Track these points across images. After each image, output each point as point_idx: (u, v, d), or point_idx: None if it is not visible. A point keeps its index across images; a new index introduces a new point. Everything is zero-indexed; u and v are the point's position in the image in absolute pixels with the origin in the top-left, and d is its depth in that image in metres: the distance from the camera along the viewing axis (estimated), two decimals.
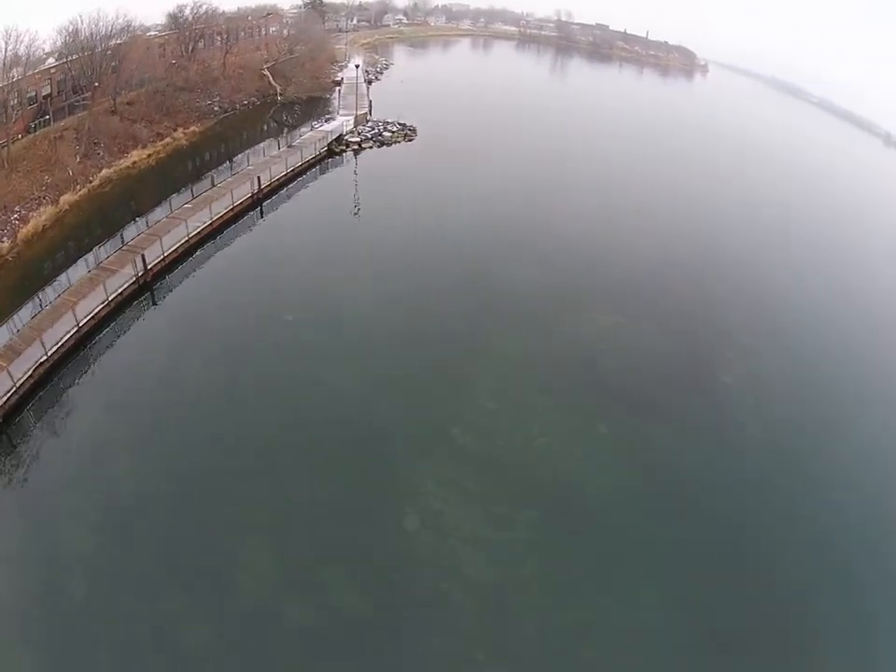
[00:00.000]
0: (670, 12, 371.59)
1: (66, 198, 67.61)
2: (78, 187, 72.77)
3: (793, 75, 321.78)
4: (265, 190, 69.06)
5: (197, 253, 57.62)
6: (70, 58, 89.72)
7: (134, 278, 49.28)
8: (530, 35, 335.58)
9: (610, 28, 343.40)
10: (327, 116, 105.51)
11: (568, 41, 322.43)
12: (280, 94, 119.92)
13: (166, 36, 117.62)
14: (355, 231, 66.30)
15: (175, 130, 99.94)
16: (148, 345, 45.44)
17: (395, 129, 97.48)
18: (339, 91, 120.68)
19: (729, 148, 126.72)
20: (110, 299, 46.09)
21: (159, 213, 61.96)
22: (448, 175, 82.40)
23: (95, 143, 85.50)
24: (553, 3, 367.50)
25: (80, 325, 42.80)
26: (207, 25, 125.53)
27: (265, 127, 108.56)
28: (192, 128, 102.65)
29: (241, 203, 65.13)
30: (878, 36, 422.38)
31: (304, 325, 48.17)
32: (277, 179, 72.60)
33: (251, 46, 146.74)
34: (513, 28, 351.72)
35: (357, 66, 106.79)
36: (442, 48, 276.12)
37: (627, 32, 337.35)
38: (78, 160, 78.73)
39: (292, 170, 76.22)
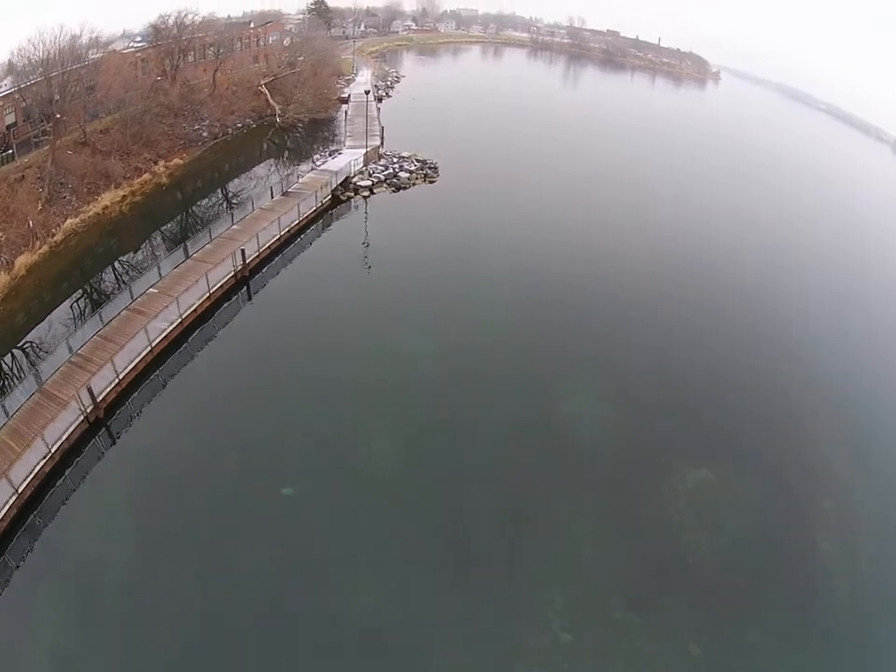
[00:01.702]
0: (681, 18, 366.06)
1: (23, 260, 55.14)
2: (38, 243, 60.36)
3: (802, 81, 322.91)
4: (252, 264, 53.89)
5: (161, 369, 41.88)
6: (28, 81, 75.37)
7: (83, 417, 34.96)
8: (542, 43, 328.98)
9: (621, 35, 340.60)
10: (331, 148, 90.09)
11: (581, 49, 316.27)
12: (279, 115, 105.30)
13: (148, 52, 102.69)
14: (367, 318, 48.82)
15: (155, 163, 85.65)
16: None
17: (412, 168, 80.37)
18: (346, 112, 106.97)
19: (757, 162, 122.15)
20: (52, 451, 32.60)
21: (117, 305, 45.96)
22: (480, 229, 67.02)
23: (61, 183, 72.10)
24: (563, 8, 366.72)
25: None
26: (195, 37, 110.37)
27: (260, 157, 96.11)
28: (176, 160, 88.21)
29: (221, 285, 49.70)
30: (886, 42, 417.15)
31: (303, 499, 33.45)
32: (268, 246, 56.82)
33: (248, 58, 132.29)
34: (525, 35, 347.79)
35: (366, 92, 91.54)
36: (453, 56, 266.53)
37: (639, 38, 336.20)
38: (40, 206, 65.80)
39: (287, 231, 60.50)
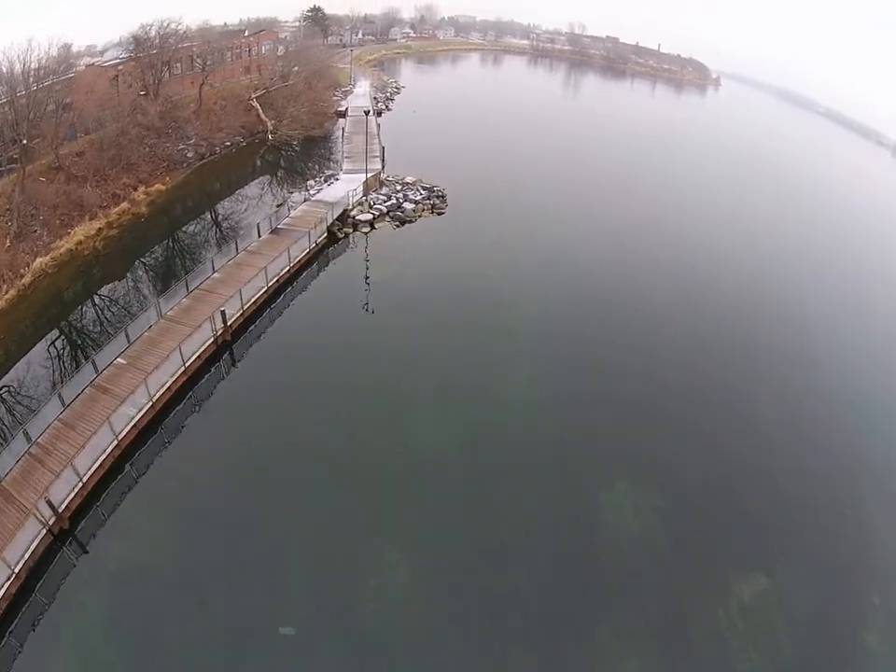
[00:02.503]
0: (681, 24, 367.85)
1: None
2: (5, 286, 53.06)
3: (801, 85, 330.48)
4: (235, 325, 46.25)
5: (132, 464, 34.70)
6: None
7: (46, 529, 29.28)
8: (542, 50, 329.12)
9: (621, 41, 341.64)
10: (327, 173, 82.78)
11: (582, 56, 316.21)
12: (271, 132, 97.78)
13: (128, 65, 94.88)
14: (370, 390, 41.07)
15: (135, 188, 77.94)
16: None
17: (418, 197, 72.25)
18: (343, 128, 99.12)
19: (761, 169, 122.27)
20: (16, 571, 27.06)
21: (81, 379, 38.24)
22: (497, 273, 59.32)
23: (32, 215, 65.16)
24: (561, 15, 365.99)
25: None
26: (180, 47, 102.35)
27: (249, 180, 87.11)
28: (157, 185, 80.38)
29: (198, 355, 41.97)
30: (885, 45, 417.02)
31: (304, 642, 26.47)
32: (254, 301, 48.99)
33: (239, 69, 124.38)
34: (524, 42, 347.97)
35: (366, 113, 79.93)
36: (452, 63, 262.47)
37: (639, 45, 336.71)
38: (8, 243, 58.95)
39: (276, 280, 52.26)
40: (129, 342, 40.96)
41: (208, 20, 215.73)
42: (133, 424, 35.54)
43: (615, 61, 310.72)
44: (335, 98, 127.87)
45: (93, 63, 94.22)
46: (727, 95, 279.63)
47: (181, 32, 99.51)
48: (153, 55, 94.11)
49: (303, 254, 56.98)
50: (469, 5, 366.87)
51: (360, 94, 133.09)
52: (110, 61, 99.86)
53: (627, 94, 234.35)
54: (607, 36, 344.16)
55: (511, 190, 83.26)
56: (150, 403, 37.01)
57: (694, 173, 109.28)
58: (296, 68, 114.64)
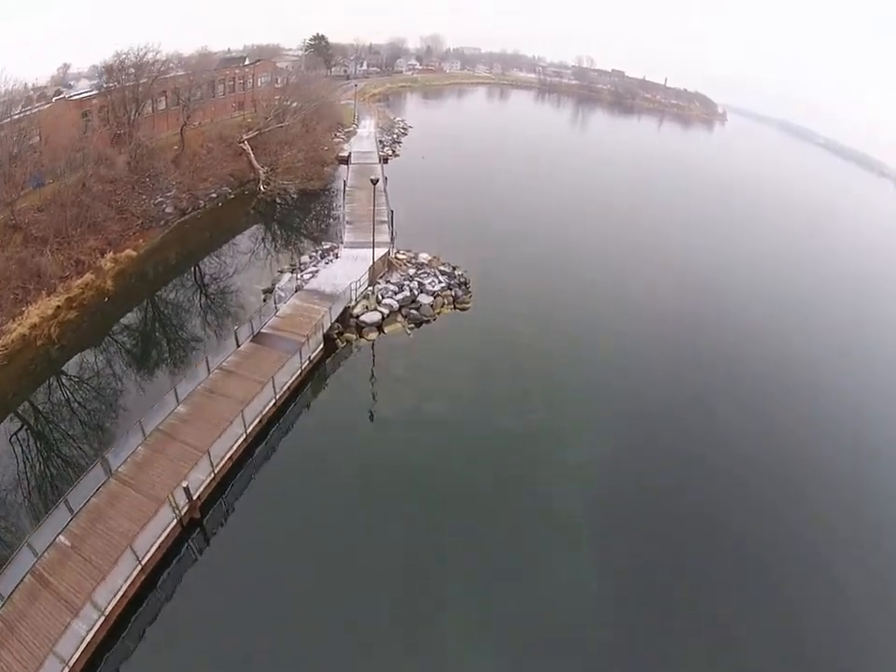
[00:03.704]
0: (686, 54, 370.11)
1: None
2: None
3: (802, 117, 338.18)
4: (205, 495, 34.20)
5: None
6: None
7: None
8: (550, 84, 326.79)
9: (627, 74, 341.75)
10: (325, 246, 68.90)
11: (590, 91, 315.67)
12: (263, 182, 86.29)
13: (102, 99, 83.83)
14: (383, 578, 30.84)
15: (102, 254, 66.52)
16: None
17: (436, 286, 59.08)
18: (344, 182, 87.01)
19: (772, 206, 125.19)
20: None
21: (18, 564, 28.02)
22: (541, 393, 46.36)
23: None
24: (565, 46, 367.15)
25: None
26: (160, 80, 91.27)
27: (234, 246, 75.77)
28: (128, 250, 68.86)
29: (158, 545, 30.67)
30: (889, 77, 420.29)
31: None
32: (230, 456, 36.57)
33: (231, 104, 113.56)
34: (531, 75, 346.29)
35: (373, 181, 59.41)
36: (459, 98, 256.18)
37: (646, 79, 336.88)
38: None
39: (258, 421, 39.57)
40: (72, 513, 30.49)
41: (207, 45, 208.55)
42: (82, 647, 25.45)
43: (623, 96, 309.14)
44: (337, 140, 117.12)
45: (63, 96, 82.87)
46: (734, 131, 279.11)
47: (160, 61, 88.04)
48: (127, 89, 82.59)
49: (293, 378, 43.73)
50: (475, 36, 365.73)
51: (365, 136, 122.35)
52: (82, 93, 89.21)
53: (640, 134, 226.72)
54: (613, 70, 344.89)
55: (541, 267, 71.37)
56: (101, 618, 26.51)
57: (716, 216, 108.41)
58: (294, 104, 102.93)
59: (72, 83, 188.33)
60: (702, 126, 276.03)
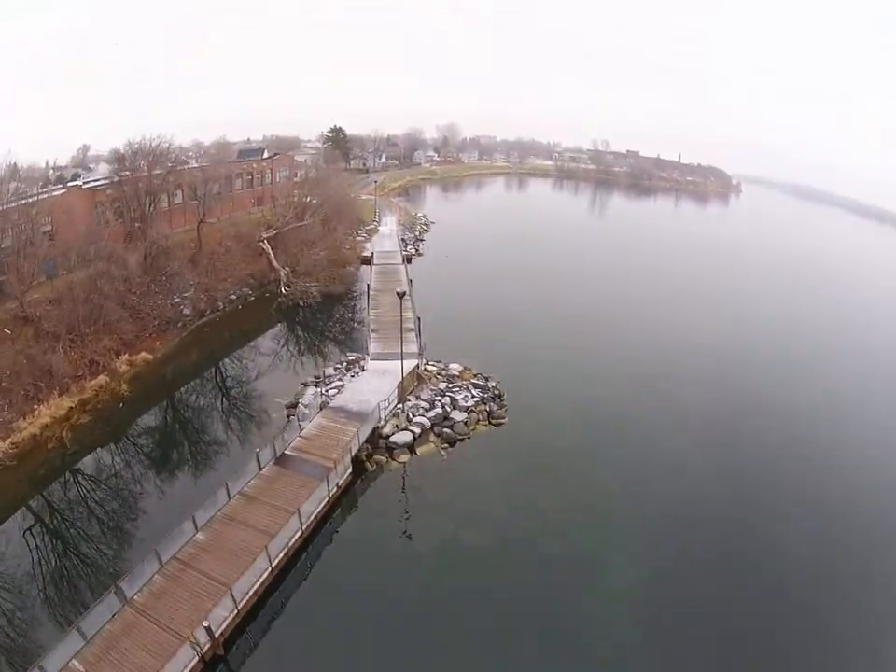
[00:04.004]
0: (696, 125, 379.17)
1: None
2: None
3: (813, 178, 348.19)
4: (228, 631, 32.94)
5: None
6: None
7: None
8: (567, 171, 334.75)
9: (641, 154, 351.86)
10: (349, 357, 68.53)
11: (607, 174, 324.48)
12: (285, 284, 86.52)
13: (114, 192, 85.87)
14: None
15: (117, 355, 66.96)
16: None
17: (469, 402, 57.59)
18: (368, 286, 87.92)
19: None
20: None
21: None
22: (584, 528, 43.76)
23: None
24: (577, 130, 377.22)
25: None
26: (175, 172, 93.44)
27: (254, 353, 75.88)
28: (144, 353, 69.25)
29: None
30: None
31: None
32: (254, 592, 35.38)
33: (250, 199, 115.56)
34: (548, 162, 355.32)
35: (400, 295, 57.62)
36: (479, 190, 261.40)
37: (660, 157, 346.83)
38: None
39: (284, 554, 38.24)
40: (85, 640, 29.76)
41: (224, 136, 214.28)
42: None
43: (639, 178, 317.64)
44: (359, 239, 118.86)
45: (77, 184, 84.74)
46: (751, 202, 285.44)
47: (175, 151, 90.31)
48: (140, 180, 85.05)
49: (320, 507, 42.52)
50: (490, 124, 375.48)
51: (387, 234, 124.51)
52: (97, 180, 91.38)
53: (662, 217, 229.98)
54: (627, 151, 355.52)
55: (574, 370, 71.24)
56: None
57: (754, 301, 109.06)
58: (314, 201, 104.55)
59: (91, 166, 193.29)
60: (719, 201, 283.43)
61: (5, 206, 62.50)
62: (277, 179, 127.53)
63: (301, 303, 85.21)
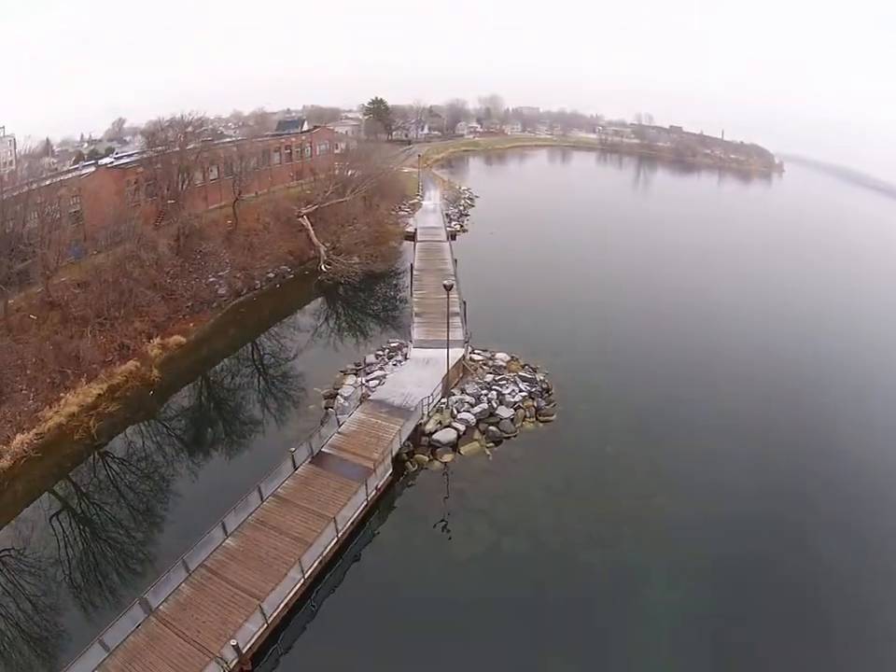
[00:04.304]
0: (741, 105, 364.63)
1: None
2: None
3: (857, 160, 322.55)
4: (257, 646, 30.44)
5: None
6: None
7: None
8: (611, 144, 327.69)
9: (684, 130, 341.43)
10: (391, 343, 64.39)
11: (651, 149, 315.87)
12: (325, 262, 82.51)
13: (146, 170, 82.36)
14: None
15: (148, 339, 63.45)
16: None
17: (517, 396, 53.46)
18: (412, 265, 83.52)
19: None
20: None
21: None
22: (633, 539, 39.97)
23: (19, 366, 53.46)
24: (621, 104, 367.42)
25: None
26: (209, 147, 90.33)
27: (292, 334, 72.73)
28: (177, 336, 65.64)
29: None
30: None
31: None
32: (285, 604, 32.57)
33: (289, 173, 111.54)
34: (592, 135, 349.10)
35: (447, 286, 50.94)
36: (522, 162, 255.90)
37: (703, 133, 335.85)
38: None
39: (319, 562, 35.13)
40: (107, 651, 27.98)
41: (264, 106, 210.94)
42: None
43: (683, 154, 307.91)
44: (402, 214, 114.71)
45: (107, 164, 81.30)
46: (797, 182, 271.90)
47: (209, 125, 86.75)
48: (174, 156, 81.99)
49: (358, 513, 38.99)
50: (533, 95, 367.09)
51: (430, 209, 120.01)
52: (127, 155, 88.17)
53: (710, 194, 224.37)
54: (671, 126, 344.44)
55: (627, 359, 66.27)
56: None
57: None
58: (356, 174, 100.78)
59: (127, 138, 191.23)
60: (763, 180, 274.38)
61: (29, 188, 58.72)
62: (317, 153, 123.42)
63: (342, 282, 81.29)
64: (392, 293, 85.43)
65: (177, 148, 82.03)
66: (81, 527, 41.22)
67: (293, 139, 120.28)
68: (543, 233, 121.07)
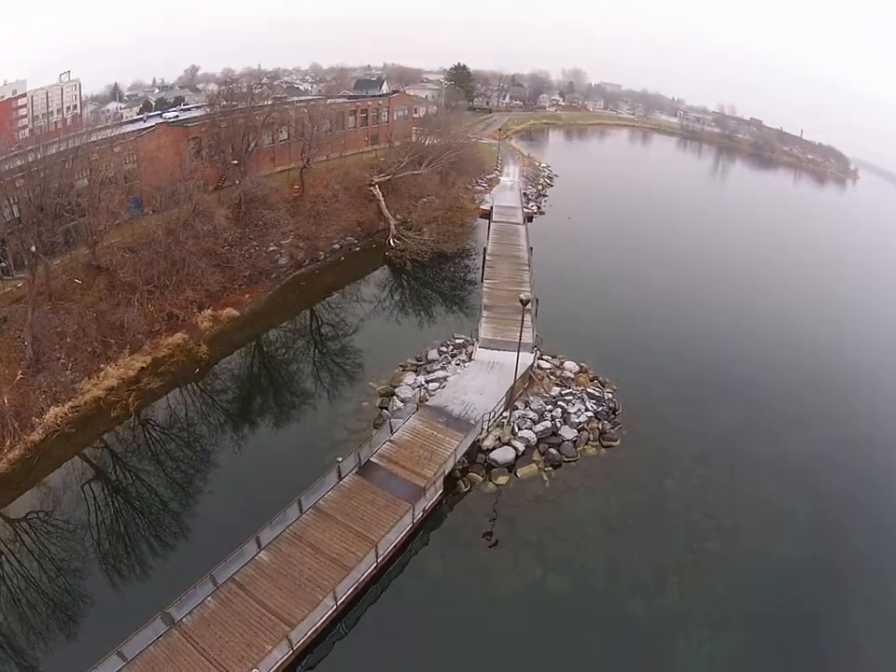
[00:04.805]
0: (824, 112, 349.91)
1: None
2: (9, 440, 41.05)
3: None
4: (306, 643, 29.58)
5: None
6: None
7: None
8: (691, 131, 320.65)
9: (764, 124, 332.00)
10: (456, 339, 58.97)
11: (730, 140, 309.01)
12: (395, 238, 77.58)
13: (209, 128, 78.48)
14: None
15: (199, 309, 59.07)
16: None
17: (582, 417, 48.03)
18: (485, 251, 77.85)
19: None
20: None
21: None
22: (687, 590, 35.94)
23: (58, 334, 50.11)
24: (702, 89, 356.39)
25: None
26: (276, 105, 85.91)
27: (351, 314, 68.29)
28: (229, 309, 61.30)
29: None
30: None
31: None
32: (328, 617, 30.69)
33: (364, 137, 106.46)
34: (673, 119, 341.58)
35: (523, 301, 42.74)
36: (602, 140, 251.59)
37: (783, 129, 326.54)
38: (21, 374, 45.60)
39: (354, 588, 32.30)
40: (125, 661, 26.67)
41: (343, 62, 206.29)
42: None
43: (762, 148, 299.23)
44: (478, 189, 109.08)
45: (166, 121, 77.09)
46: (872, 192, 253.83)
47: (282, 80, 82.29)
48: (238, 117, 77.00)
49: (402, 536, 35.43)
50: (616, 72, 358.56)
51: (508, 186, 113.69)
52: (195, 107, 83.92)
53: (796, 195, 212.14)
54: (751, 119, 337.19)
55: (705, 372, 60.24)
56: None
57: None
58: (435, 141, 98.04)
59: (200, 86, 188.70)
60: (837, 184, 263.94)
61: (82, 142, 54.58)
62: (394, 118, 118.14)
63: (410, 259, 76.49)
64: (462, 276, 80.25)
65: (245, 106, 77.11)
66: (113, 508, 39.26)
67: (370, 103, 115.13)
68: (624, 224, 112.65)
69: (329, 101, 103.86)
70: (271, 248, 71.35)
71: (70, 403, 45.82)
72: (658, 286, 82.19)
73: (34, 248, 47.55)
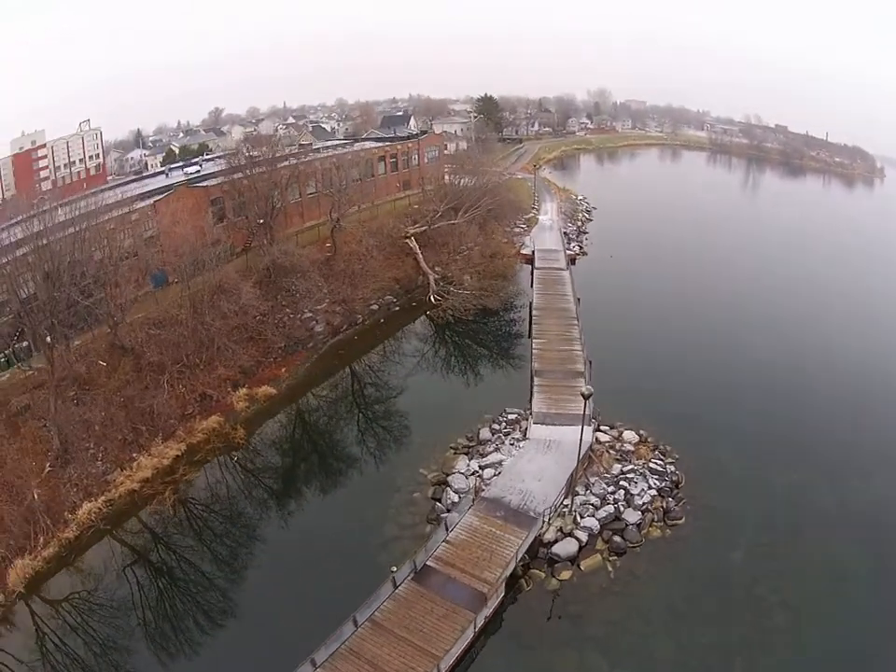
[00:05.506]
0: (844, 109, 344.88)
1: (18, 571, 36.90)
2: (42, 538, 39.59)
3: None
4: None
5: None
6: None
7: None
8: (721, 144, 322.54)
9: (789, 129, 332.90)
10: (509, 414, 54.46)
11: (759, 150, 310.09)
12: (436, 295, 73.95)
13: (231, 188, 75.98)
14: None
15: (234, 388, 56.35)
16: None
17: (645, 497, 44.29)
18: (531, 305, 74.03)
19: None
20: None
21: None
22: None
23: (85, 422, 48.24)
24: (730, 101, 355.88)
25: None
26: (300, 156, 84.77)
27: (394, 386, 63.94)
28: (266, 386, 57.91)
29: None
30: None
31: None
32: None
33: (395, 183, 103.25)
34: (701, 133, 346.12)
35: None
36: (632, 162, 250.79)
37: (809, 134, 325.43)
38: (48, 466, 43.99)
39: None
40: None
41: (369, 92, 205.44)
42: None
43: (791, 156, 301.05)
44: (517, 231, 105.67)
45: (184, 183, 74.45)
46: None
47: (307, 121, 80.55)
48: (262, 175, 73.68)
49: (463, 648, 32.48)
50: (639, 87, 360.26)
51: (547, 226, 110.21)
52: (217, 157, 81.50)
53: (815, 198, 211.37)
54: (776, 125, 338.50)
55: (775, 431, 54.49)
56: None
57: None
58: (468, 183, 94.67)
59: (224, 129, 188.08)
60: (866, 185, 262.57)
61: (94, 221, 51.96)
62: (425, 160, 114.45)
63: (452, 318, 72.60)
64: (509, 332, 76.24)
65: (269, 158, 75.33)
66: (147, 613, 37.39)
67: (399, 146, 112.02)
68: (666, 257, 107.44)
69: (356, 145, 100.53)
70: (305, 315, 68.29)
71: (103, 497, 44.07)
72: (716, 329, 77.41)
73: (49, 339, 45.03)
